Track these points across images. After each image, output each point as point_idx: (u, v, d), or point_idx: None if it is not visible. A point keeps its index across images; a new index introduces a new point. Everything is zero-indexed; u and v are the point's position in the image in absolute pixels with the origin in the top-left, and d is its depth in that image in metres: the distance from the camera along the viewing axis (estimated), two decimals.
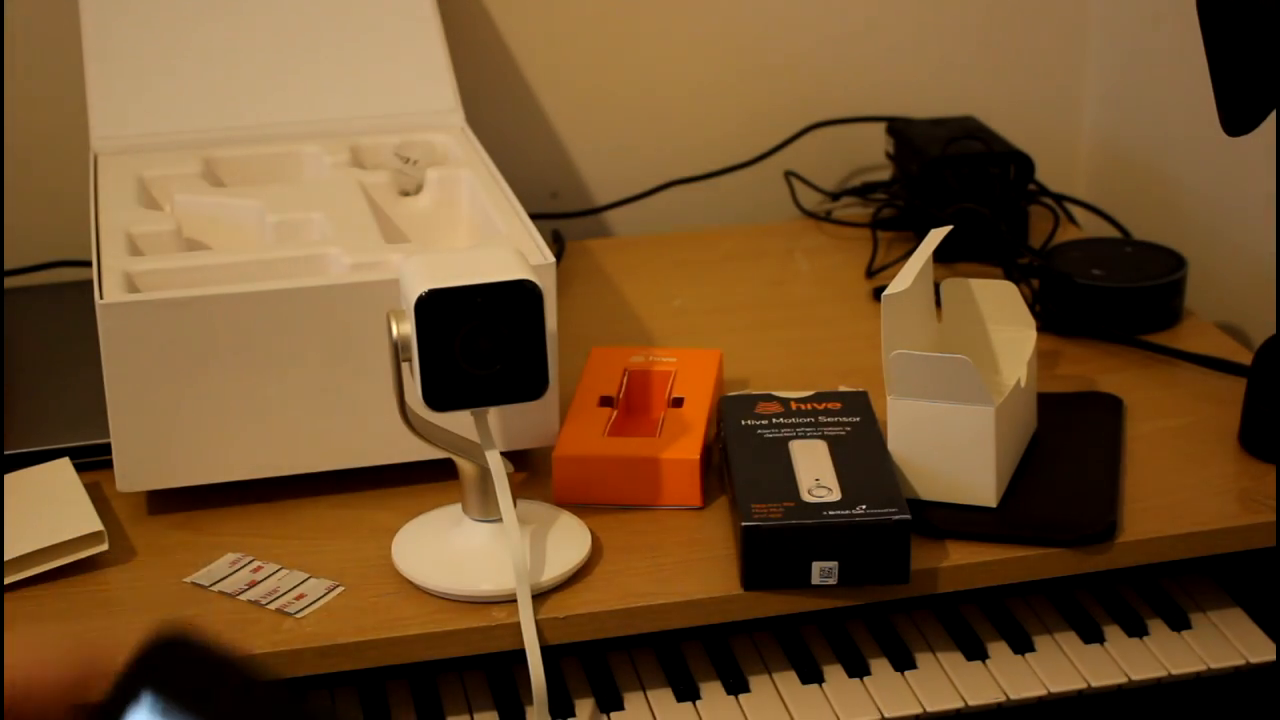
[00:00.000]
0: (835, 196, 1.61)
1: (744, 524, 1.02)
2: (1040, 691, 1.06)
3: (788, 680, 1.07)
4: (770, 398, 1.15)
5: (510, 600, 1.00)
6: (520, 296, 0.98)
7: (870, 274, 1.47)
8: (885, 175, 1.59)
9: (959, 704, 1.05)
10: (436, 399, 0.98)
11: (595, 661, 1.08)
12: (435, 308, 0.97)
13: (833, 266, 1.50)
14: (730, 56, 1.61)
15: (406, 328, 0.98)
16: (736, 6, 1.60)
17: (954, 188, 1.47)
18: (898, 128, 1.55)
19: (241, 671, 0.54)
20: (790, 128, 1.60)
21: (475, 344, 0.98)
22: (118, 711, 0.54)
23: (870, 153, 1.60)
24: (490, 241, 1.17)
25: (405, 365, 1.00)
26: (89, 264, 1.14)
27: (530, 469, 1.14)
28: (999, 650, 1.10)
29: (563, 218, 1.56)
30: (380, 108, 1.34)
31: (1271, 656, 1.10)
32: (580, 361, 1.22)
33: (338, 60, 1.36)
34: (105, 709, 0.55)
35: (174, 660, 0.55)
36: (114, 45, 1.33)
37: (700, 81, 1.61)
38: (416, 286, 0.98)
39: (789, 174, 1.60)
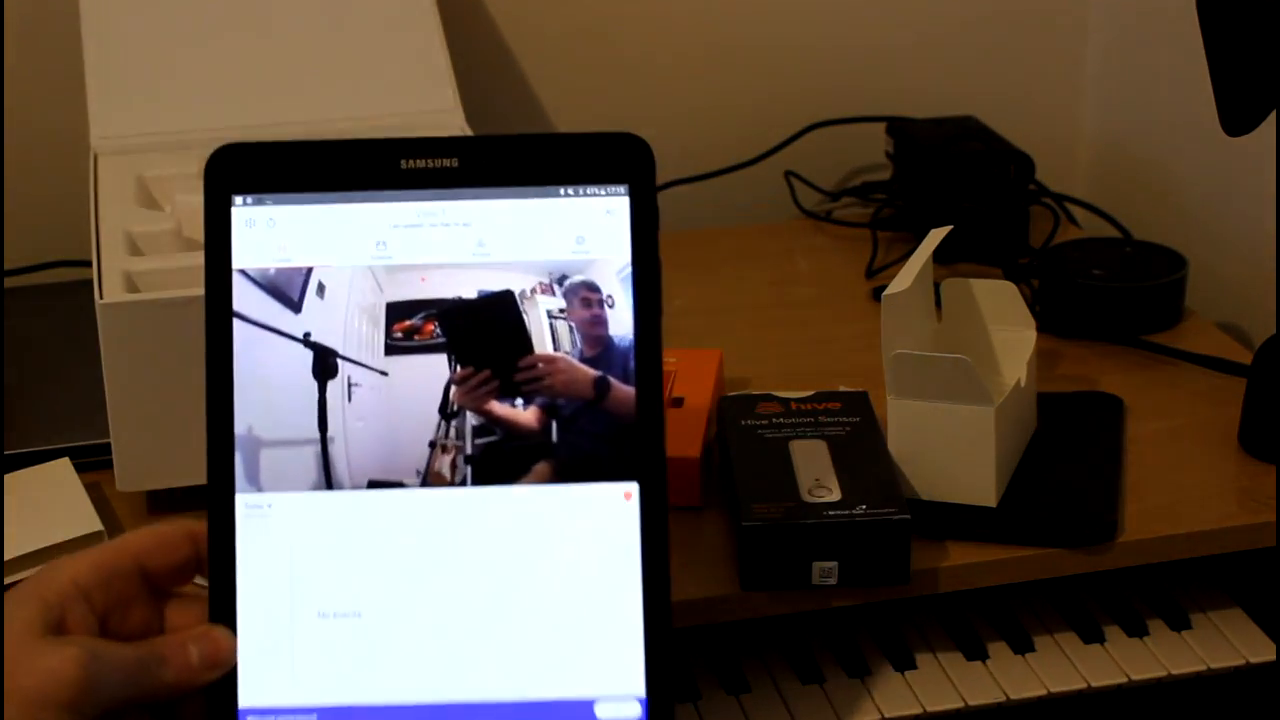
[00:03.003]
0: (835, 196, 1.61)
1: (744, 524, 1.02)
2: (1040, 691, 1.07)
3: (788, 680, 1.07)
4: (770, 398, 1.15)
5: None
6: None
7: (870, 274, 1.47)
8: (885, 175, 1.59)
9: (959, 704, 1.05)
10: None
11: None
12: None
13: (833, 266, 1.50)
14: (730, 56, 1.61)
15: None
16: (736, 6, 1.60)
17: (954, 188, 1.47)
18: (898, 128, 1.55)
19: None
20: (790, 128, 1.60)
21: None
22: None
23: (870, 153, 1.60)
24: None
25: None
26: (89, 264, 1.14)
27: None
28: (999, 650, 1.10)
29: None
30: (380, 108, 1.34)
31: (1271, 656, 1.10)
32: None
33: (338, 60, 1.36)
34: None
35: None
36: (114, 45, 1.33)
37: (700, 81, 1.61)
38: None
39: (789, 174, 1.60)
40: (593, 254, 0.90)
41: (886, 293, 1.10)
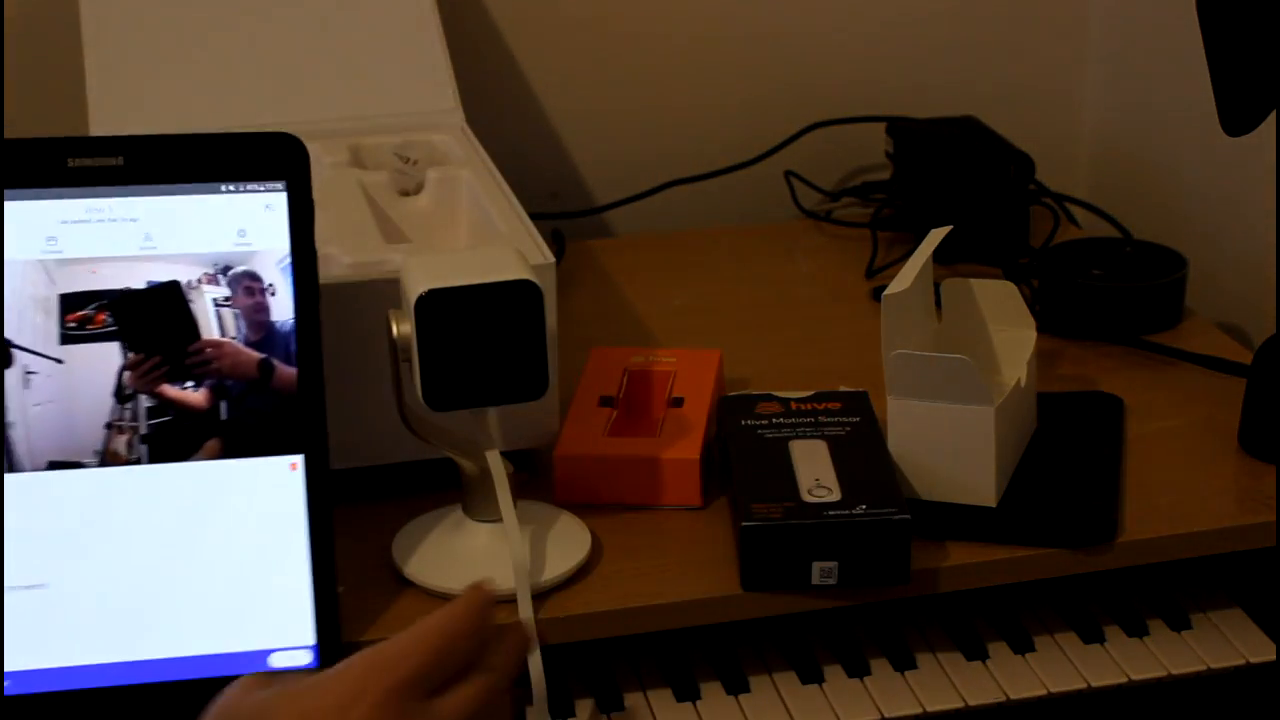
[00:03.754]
0: (835, 196, 1.61)
1: (744, 524, 1.02)
2: (1040, 691, 1.06)
3: (788, 680, 1.07)
4: (770, 398, 1.15)
5: (511, 600, 1.00)
6: (521, 296, 0.98)
7: (870, 274, 1.47)
8: (885, 175, 1.59)
9: (959, 704, 1.05)
10: (436, 399, 0.98)
11: (595, 661, 1.07)
12: (436, 307, 0.97)
13: (833, 266, 1.50)
14: (730, 56, 1.61)
15: (406, 327, 0.98)
16: (737, 6, 1.60)
17: (954, 188, 1.47)
18: (898, 128, 1.55)
19: None
20: (790, 128, 1.60)
21: (475, 344, 0.98)
22: None
23: (870, 153, 1.60)
24: (490, 241, 1.17)
25: (405, 365, 1.00)
26: None
27: (530, 469, 1.14)
28: (999, 650, 1.10)
29: (563, 218, 1.56)
30: (380, 108, 1.34)
31: (1271, 656, 1.10)
32: (580, 361, 1.22)
33: (337, 60, 1.36)
34: None
35: None
36: (114, 45, 1.33)
37: (700, 81, 1.61)
38: (417, 286, 0.98)
39: (789, 174, 1.60)
40: (254, 245, 0.97)
41: (886, 293, 1.10)
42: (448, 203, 1.27)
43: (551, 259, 1.10)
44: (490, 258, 1.01)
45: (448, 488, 1.08)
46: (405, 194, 1.27)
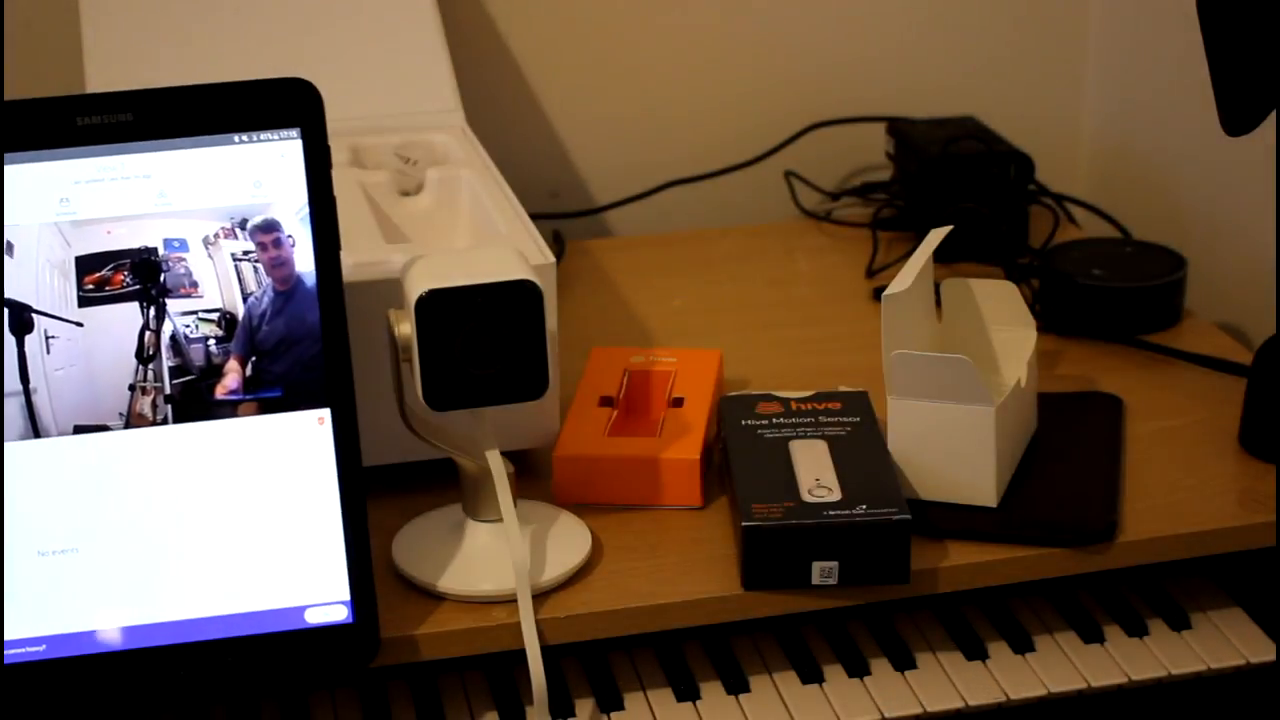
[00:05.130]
0: (835, 196, 1.61)
1: (744, 524, 1.02)
2: (1040, 691, 1.06)
3: (788, 680, 1.07)
4: (770, 398, 1.15)
5: (511, 600, 1.00)
6: (521, 296, 0.98)
7: (870, 274, 1.47)
8: (885, 175, 1.59)
9: (959, 704, 1.05)
10: (436, 399, 0.98)
11: (595, 661, 1.07)
12: (436, 307, 0.97)
13: (833, 266, 1.50)
14: (730, 56, 1.61)
15: (407, 327, 0.98)
16: (736, 6, 1.60)
17: (954, 188, 1.46)
18: (898, 128, 1.55)
19: None
20: (790, 128, 1.60)
21: (476, 344, 0.98)
22: None
23: (870, 153, 1.60)
24: (491, 241, 1.17)
25: (405, 365, 1.00)
26: None
27: (530, 469, 1.14)
28: (999, 650, 1.10)
29: (563, 218, 1.56)
30: (380, 107, 1.34)
31: (1272, 656, 1.10)
32: (580, 362, 1.22)
33: (338, 60, 1.36)
34: None
35: None
36: (113, 44, 1.33)
37: (700, 81, 1.61)
38: (417, 286, 0.98)
39: (789, 174, 1.60)
40: (271, 196, 0.95)
41: (887, 293, 1.10)
42: (448, 203, 1.27)
43: (552, 259, 1.10)
44: (491, 258, 1.01)
45: (447, 487, 1.08)
46: (405, 194, 1.27)
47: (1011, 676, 1.07)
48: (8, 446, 0.92)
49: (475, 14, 1.55)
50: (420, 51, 1.37)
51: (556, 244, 1.51)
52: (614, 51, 1.59)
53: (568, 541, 1.06)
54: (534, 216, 1.19)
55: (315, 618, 0.94)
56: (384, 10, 1.38)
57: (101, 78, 1.31)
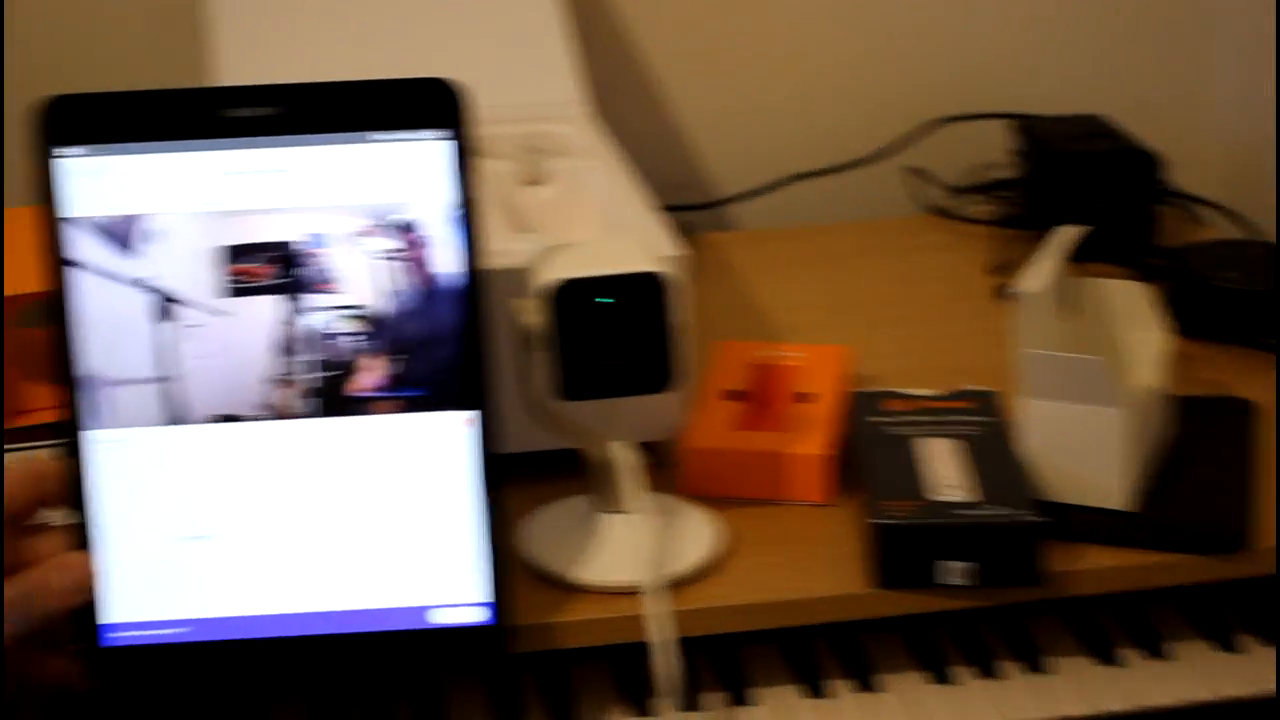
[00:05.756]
0: (959, 193, 1.60)
1: (874, 521, 1.01)
2: (1171, 699, 1.05)
3: (916, 680, 1.06)
4: (899, 395, 1.14)
5: (639, 592, 1.00)
6: (653, 288, 0.97)
7: (992, 272, 1.45)
8: (1010, 173, 1.58)
9: (1090, 709, 1.04)
10: (568, 389, 0.98)
11: (721, 655, 1.07)
12: (569, 298, 0.97)
13: (956, 263, 1.48)
14: (857, 51, 1.61)
15: (536, 317, 0.98)
16: (864, 3, 1.59)
17: (1081, 186, 1.45)
18: (1023, 125, 1.54)
19: None
20: (914, 123, 1.59)
21: (607, 335, 0.98)
22: None
23: (995, 150, 1.59)
24: (621, 232, 1.17)
25: (533, 355, 1.00)
26: None
27: (657, 461, 1.13)
28: (1130, 656, 1.08)
29: (685, 210, 1.56)
30: (508, 98, 1.34)
31: None
32: (705, 355, 1.21)
33: (465, 50, 1.36)
34: None
35: None
36: (239, 34, 1.34)
37: (824, 75, 1.61)
38: (549, 276, 0.97)
39: (912, 169, 1.59)
40: (415, 195, 0.95)
41: (1020, 291, 1.08)
42: (574, 193, 1.27)
43: (685, 251, 1.10)
44: (623, 249, 1.01)
45: (568, 477, 1.08)
46: (532, 184, 1.27)
47: (1143, 682, 1.06)
48: (149, 432, 0.93)
49: (605, 6, 1.55)
50: (548, 43, 1.37)
51: (687, 235, 1.51)
52: (741, 45, 1.59)
53: (696, 534, 1.05)
54: (659, 208, 1.18)
55: (447, 618, 0.94)
56: (512, 1, 1.38)
57: (228, 69, 1.32)
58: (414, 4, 1.37)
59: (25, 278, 1.11)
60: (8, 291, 1.11)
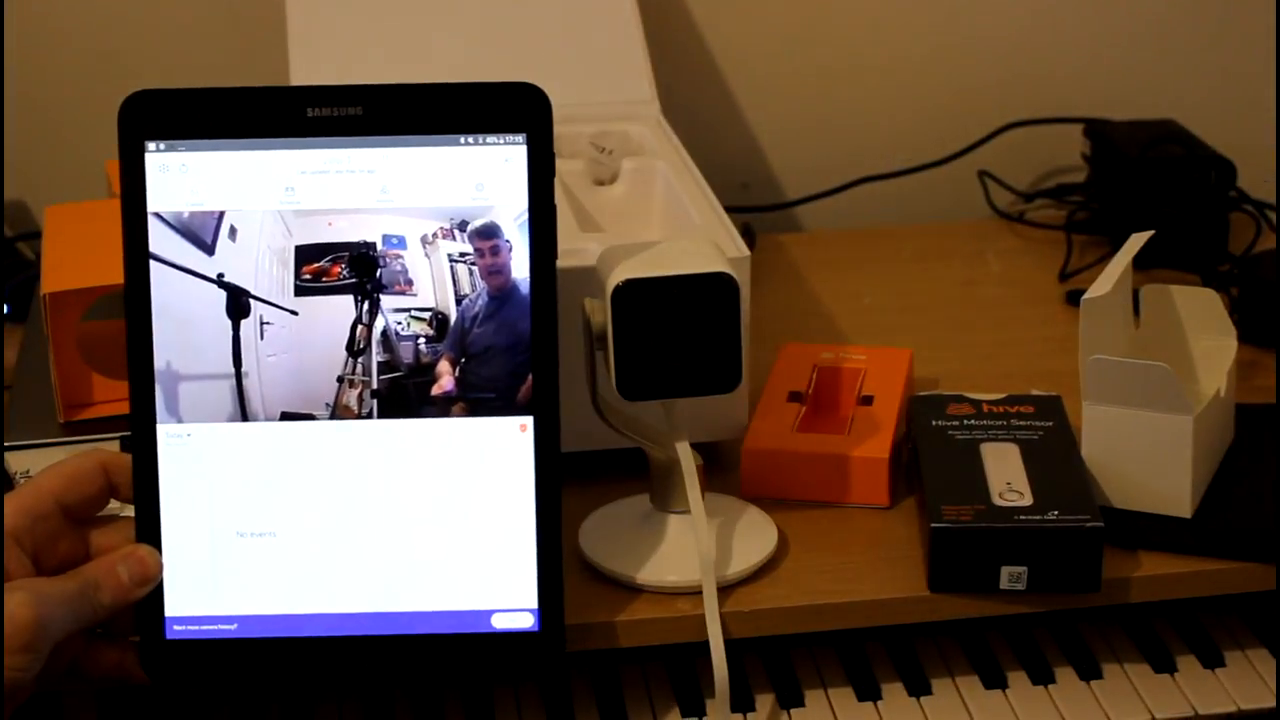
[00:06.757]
0: (1029, 198, 1.59)
1: (934, 525, 1.01)
2: (1230, 708, 1.04)
3: (970, 684, 1.06)
4: (962, 399, 1.14)
5: (696, 592, 1.00)
6: (717, 289, 0.98)
7: (1063, 277, 1.45)
8: (1081, 177, 1.57)
9: (1145, 716, 1.04)
10: (631, 388, 0.99)
11: (776, 657, 1.07)
12: (633, 297, 0.97)
13: (1025, 269, 1.48)
14: (926, 54, 1.60)
15: (602, 316, 0.99)
16: (936, 5, 1.59)
17: (1152, 192, 1.44)
18: (1096, 130, 1.53)
19: None
20: (985, 127, 1.59)
21: (671, 335, 0.98)
22: None
23: (1066, 154, 1.58)
24: (686, 233, 1.18)
25: (599, 354, 1.00)
26: None
27: (718, 462, 1.14)
28: (1187, 664, 1.08)
29: (752, 211, 1.56)
30: (576, 96, 1.34)
31: None
32: (768, 356, 1.21)
33: (534, 49, 1.37)
34: None
35: None
36: (312, 34, 1.35)
37: (893, 77, 1.60)
38: (615, 276, 0.98)
39: (982, 173, 1.59)
40: (491, 200, 0.95)
41: (1086, 296, 1.08)
42: (642, 193, 1.27)
43: (747, 252, 1.10)
44: (688, 249, 1.01)
45: (628, 476, 1.08)
46: (600, 183, 1.28)
47: (1200, 691, 1.05)
48: (218, 427, 0.94)
49: (674, 7, 1.55)
50: (618, 42, 1.38)
51: (747, 237, 1.51)
52: (809, 46, 1.59)
53: (754, 535, 1.06)
54: (725, 209, 1.19)
55: (500, 623, 0.95)
56: (584, 1, 1.39)
57: (302, 58, 1.33)
58: (490, 3, 1.38)
59: (89, 271, 1.13)
60: (76, 285, 1.12)
